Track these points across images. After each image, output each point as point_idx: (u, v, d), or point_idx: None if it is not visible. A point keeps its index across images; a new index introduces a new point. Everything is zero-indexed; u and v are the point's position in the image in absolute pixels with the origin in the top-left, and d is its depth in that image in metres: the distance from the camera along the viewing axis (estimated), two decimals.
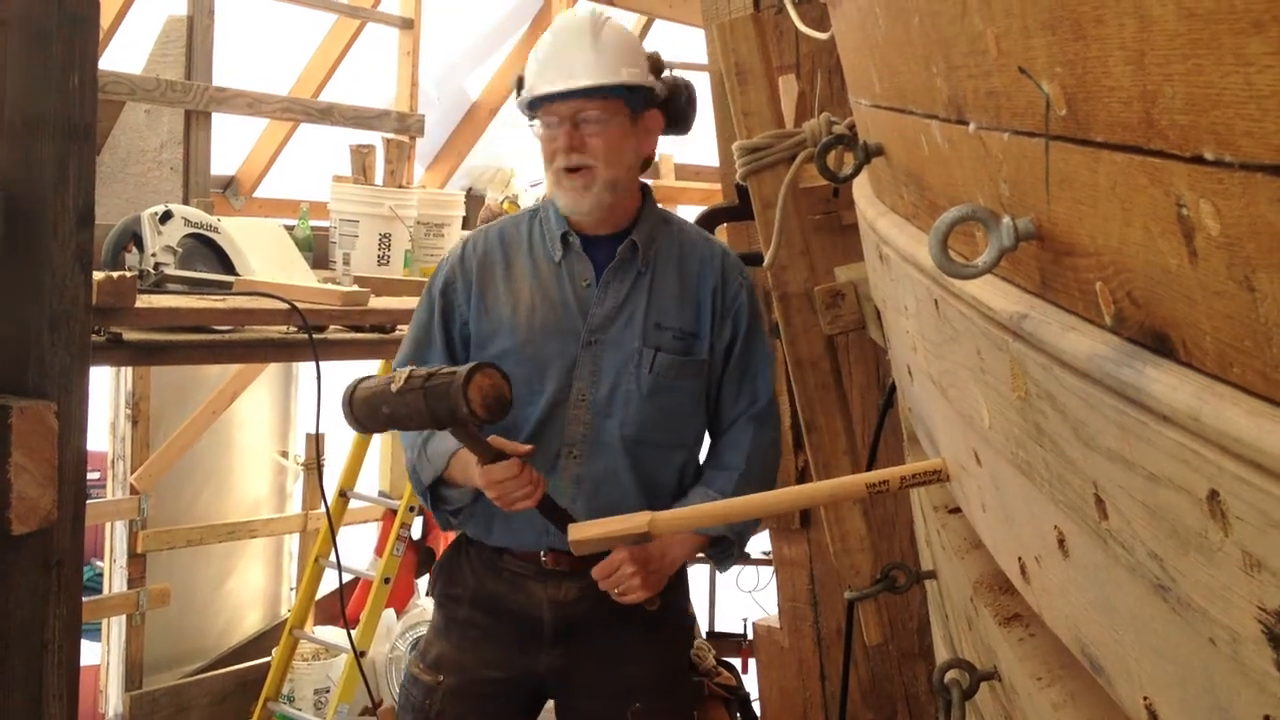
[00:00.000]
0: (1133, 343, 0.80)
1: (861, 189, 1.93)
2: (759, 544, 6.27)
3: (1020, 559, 1.15)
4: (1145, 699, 0.87)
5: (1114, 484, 0.83)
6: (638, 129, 2.42)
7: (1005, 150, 0.96)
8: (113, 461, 5.37)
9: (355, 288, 3.88)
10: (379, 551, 5.34)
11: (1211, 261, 0.68)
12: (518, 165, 6.36)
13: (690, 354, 2.44)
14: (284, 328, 3.54)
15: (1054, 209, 0.88)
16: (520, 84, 2.44)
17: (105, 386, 5.32)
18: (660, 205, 2.59)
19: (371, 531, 6.06)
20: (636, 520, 1.72)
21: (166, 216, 3.68)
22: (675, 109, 2.49)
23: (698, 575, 6.10)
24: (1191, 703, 0.79)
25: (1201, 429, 0.69)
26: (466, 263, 2.50)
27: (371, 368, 5.09)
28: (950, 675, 1.41)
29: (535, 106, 2.38)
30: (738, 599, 6.03)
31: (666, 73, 2.48)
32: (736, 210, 3.14)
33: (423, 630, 4.28)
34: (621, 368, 2.41)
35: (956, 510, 1.67)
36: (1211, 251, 0.67)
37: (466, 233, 3.53)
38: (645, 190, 2.51)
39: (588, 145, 2.36)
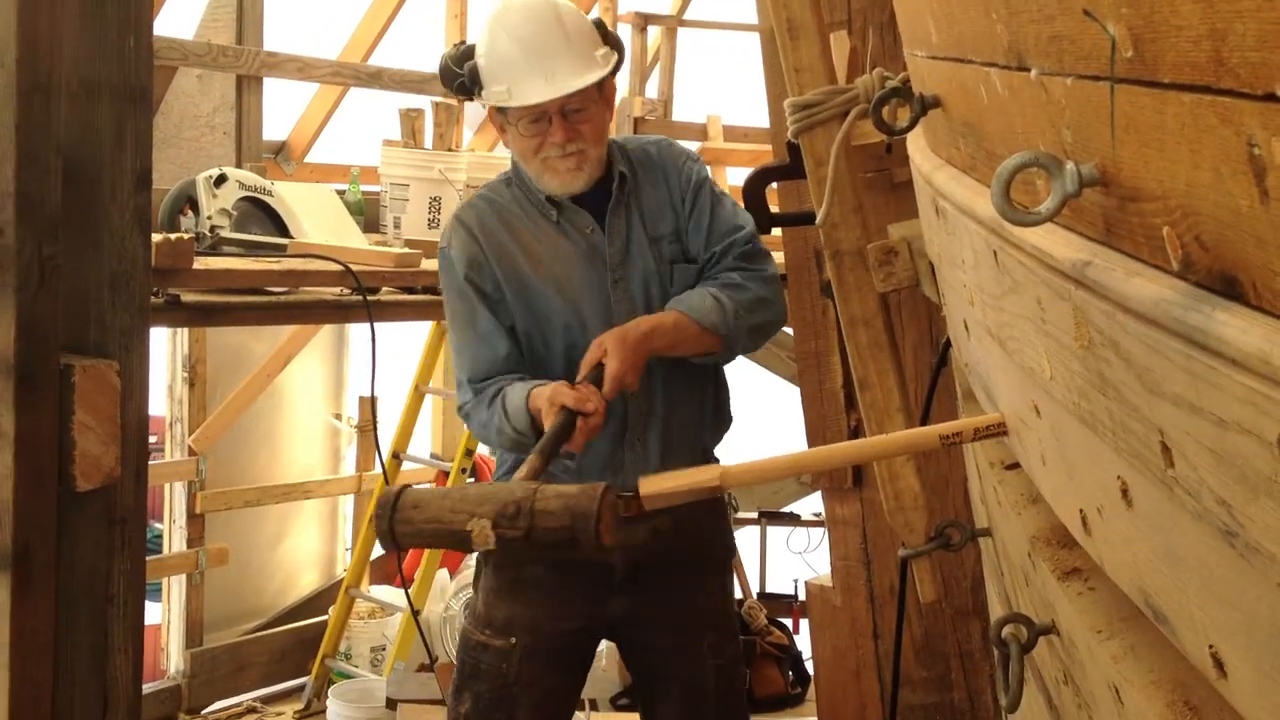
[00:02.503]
0: (1201, 287, 0.79)
1: (916, 143, 1.91)
2: (810, 505, 6.28)
3: (1082, 511, 1.14)
4: (1210, 647, 0.87)
5: (1180, 430, 0.82)
6: (607, 100, 2.55)
7: (1068, 95, 0.94)
8: (170, 424, 5.45)
9: (407, 250, 3.90)
10: None
11: None
12: None
13: (688, 255, 2.57)
14: (338, 290, 3.57)
15: (1119, 153, 0.87)
16: (474, 76, 2.46)
17: (162, 350, 5.39)
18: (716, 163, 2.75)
19: None
20: (708, 474, 1.72)
21: (221, 180, 3.72)
22: (618, 69, 2.58)
23: (749, 538, 6.14)
24: (1258, 649, 0.79)
25: (1272, 371, 0.69)
26: (477, 242, 2.50)
27: (423, 329, 5.13)
28: (1008, 630, 1.40)
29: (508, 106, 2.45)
30: (789, 560, 6.05)
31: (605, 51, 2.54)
32: (787, 169, 3.11)
33: None
34: (646, 291, 2.53)
35: (1013, 466, 1.66)
36: None
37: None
38: None
39: (580, 132, 2.45)
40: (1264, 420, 0.70)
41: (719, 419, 2.67)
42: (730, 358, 2.61)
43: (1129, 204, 0.89)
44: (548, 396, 2.26)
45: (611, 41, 2.54)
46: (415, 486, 1.93)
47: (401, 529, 1.70)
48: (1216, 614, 0.85)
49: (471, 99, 2.55)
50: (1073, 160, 0.93)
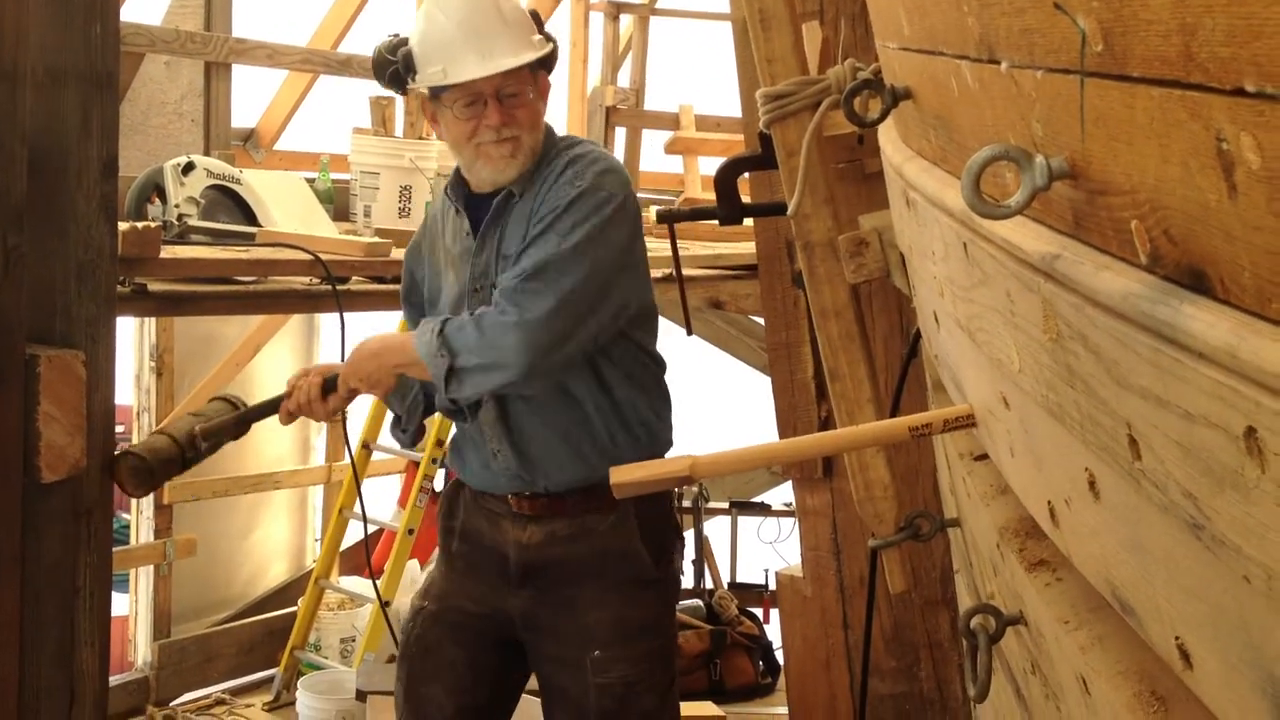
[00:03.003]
0: (1169, 280, 0.79)
1: (887, 134, 1.91)
2: (781, 495, 6.30)
3: (1049, 502, 1.15)
4: (1177, 638, 0.87)
5: (1147, 423, 0.82)
6: (542, 92, 2.53)
7: (1038, 89, 0.95)
8: (138, 414, 5.41)
9: (377, 239, 3.88)
10: (402, 503, 5.39)
11: (1252, 196, 0.67)
12: None
13: None
14: (307, 279, 3.55)
15: (1089, 147, 0.88)
16: (408, 62, 2.47)
17: (129, 339, 5.35)
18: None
19: (395, 483, 6.10)
20: (679, 464, 1.72)
21: (189, 168, 3.69)
22: (552, 64, 2.57)
23: (719, 528, 6.16)
24: (1224, 640, 0.79)
25: (1239, 365, 0.69)
26: (425, 225, 2.74)
27: (394, 318, 5.10)
28: (976, 620, 1.41)
29: (445, 87, 2.44)
30: (760, 550, 6.07)
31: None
32: (759, 159, 3.12)
33: None
34: None
35: (982, 457, 1.67)
36: (1252, 185, 0.67)
37: None
38: (548, 132, 2.55)
39: (515, 118, 2.44)
40: (1231, 414, 0.70)
41: (630, 434, 2.54)
42: (503, 383, 2.40)
43: (1098, 197, 0.89)
44: (306, 369, 2.61)
45: (546, 34, 2.55)
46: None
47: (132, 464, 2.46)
48: (1183, 606, 0.85)
49: (404, 91, 2.57)
50: (1042, 153, 0.93)
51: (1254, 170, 0.66)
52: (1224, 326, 0.71)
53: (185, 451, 2.56)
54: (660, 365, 2.65)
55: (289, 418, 2.58)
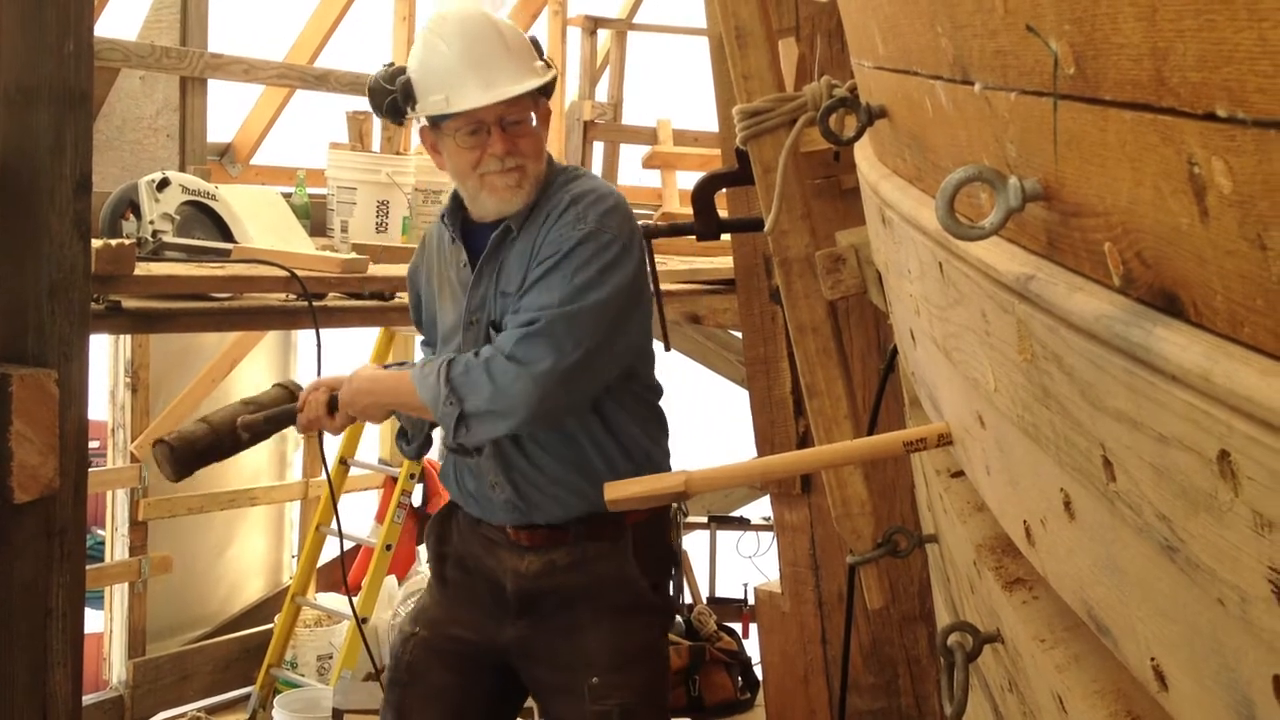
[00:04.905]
0: (1142, 303, 0.79)
1: (863, 152, 1.92)
2: (759, 509, 6.30)
3: (1025, 522, 1.15)
4: (1152, 660, 0.87)
5: (1122, 445, 0.82)
6: (544, 120, 2.50)
7: (1012, 110, 0.95)
8: (113, 430, 5.37)
9: (354, 255, 3.87)
10: (380, 519, 5.36)
11: (1223, 220, 0.67)
12: None
13: None
14: (283, 295, 3.53)
15: (1062, 169, 0.88)
16: (407, 91, 2.44)
17: (104, 355, 5.32)
18: (596, 174, 2.66)
19: (372, 499, 6.07)
20: (674, 479, 1.72)
21: (164, 184, 3.67)
22: (552, 91, 2.55)
23: (698, 542, 6.15)
24: (1199, 663, 0.79)
25: (1212, 389, 0.69)
26: (424, 246, 2.70)
27: (371, 335, 5.09)
28: (953, 638, 1.41)
29: (446, 116, 2.41)
30: (738, 564, 6.06)
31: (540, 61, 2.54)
32: (736, 175, 3.12)
33: None
34: (491, 341, 2.44)
35: (959, 474, 1.67)
36: (1223, 210, 0.67)
37: None
38: (549, 161, 2.53)
39: (519, 146, 2.42)
40: (1204, 437, 0.71)
41: (631, 463, 2.52)
42: (498, 430, 2.40)
43: (1071, 219, 0.89)
44: (317, 381, 2.57)
45: (546, 60, 2.53)
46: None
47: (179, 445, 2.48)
48: (1158, 627, 0.85)
49: (402, 121, 2.53)
50: (1016, 175, 0.94)
51: (1225, 195, 0.66)
52: (1197, 350, 0.71)
53: (224, 440, 2.55)
54: (657, 393, 2.64)
55: (305, 429, 2.59)
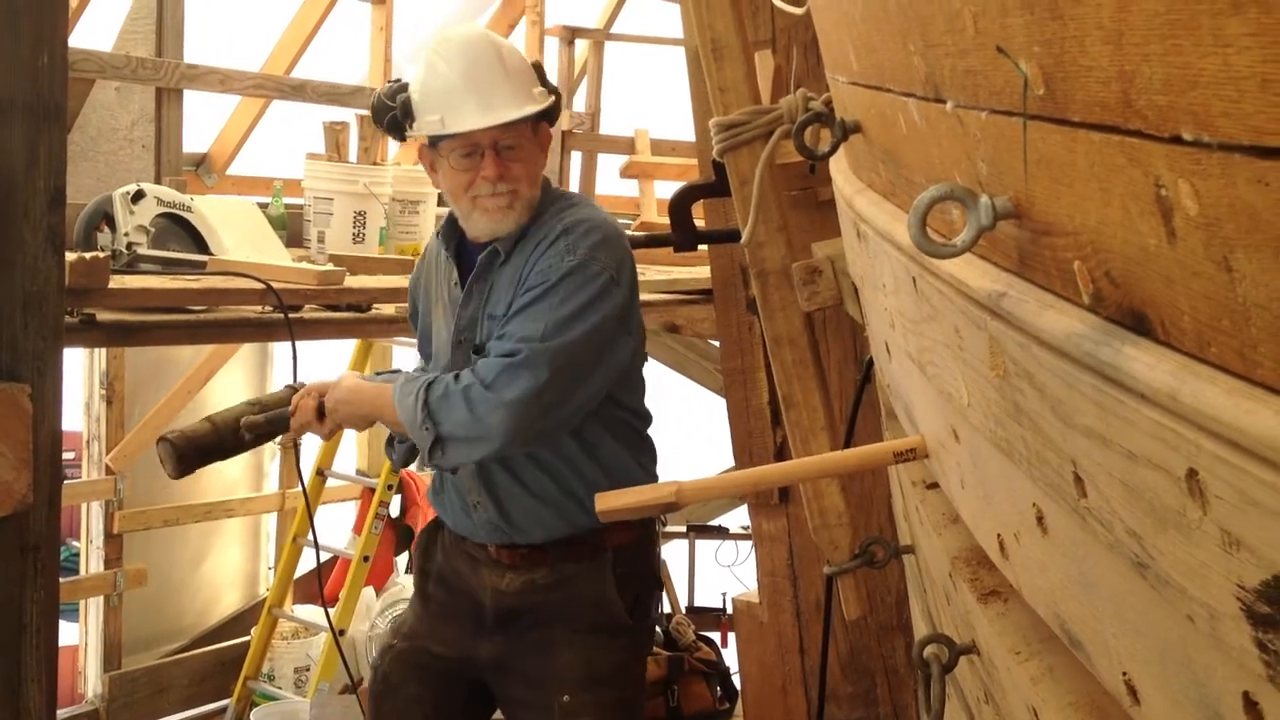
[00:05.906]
0: (1111, 322, 0.80)
1: (839, 165, 1.93)
2: (738, 518, 6.30)
3: (999, 536, 1.16)
4: (1124, 674, 0.88)
5: (1092, 462, 0.83)
6: (542, 144, 2.50)
7: (983, 129, 0.96)
8: (88, 442, 5.33)
9: (330, 266, 3.86)
10: (357, 530, 5.33)
11: (1190, 241, 0.68)
12: None
13: None
14: (259, 307, 3.52)
15: (1032, 188, 0.89)
16: (407, 108, 2.44)
17: (79, 366, 5.28)
18: (575, 190, 2.66)
19: (350, 510, 6.05)
20: (665, 490, 1.72)
21: (138, 196, 3.65)
22: (554, 116, 2.55)
23: (677, 551, 6.14)
24: (1170, 678, 0.80)
25: (1179, 408, 0.70)
26: (424, 258, 2.73)
27: (347, 347, 5.08)
28: (929, 650, 1.41)
29: (443, 137, 2.42)
30: (717, 574, 6.06)
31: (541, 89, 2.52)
32: (713, 187, 3.13)
33: (402, 607, 4.28)
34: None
35: (935, 486, 1.68)
36: (1190, 232, 0.68)
37: (442, 210, 3.53)
38: (545, 186, 2.53)
39: (512, 171, 2.41)
40: (1172, 455, 0.71)
41: (614, 488, 2.54)
42: (477, 454, 2.40)
43: (1042, 238, 0.90)
44: (309, 386, 2.57)
45: (549, 86, 2.52)
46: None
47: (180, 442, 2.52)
48: (1130, 642, 0.86)
49: (403, 137, 2.52)
50: (988, 193, 0.94)
51: (1191, 217, 0.67)
52: (1165, 369, 0.72)
53: (226, 440, 2.56)
54: (646, 421, 2.63)
55: (296, 433, 2.60)
